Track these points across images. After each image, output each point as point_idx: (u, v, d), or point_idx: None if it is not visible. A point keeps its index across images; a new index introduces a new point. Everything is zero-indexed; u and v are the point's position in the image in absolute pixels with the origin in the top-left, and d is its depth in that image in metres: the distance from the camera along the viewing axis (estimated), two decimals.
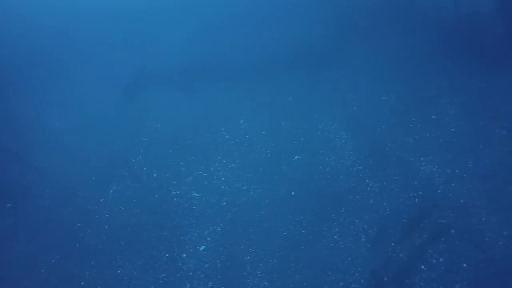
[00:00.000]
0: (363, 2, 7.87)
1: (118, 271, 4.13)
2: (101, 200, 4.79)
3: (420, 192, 4.39)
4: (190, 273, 4.10)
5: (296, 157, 5.31)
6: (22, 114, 6.09)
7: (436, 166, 4.71)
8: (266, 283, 3.89)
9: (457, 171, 4.61)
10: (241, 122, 6.09)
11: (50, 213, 4.86)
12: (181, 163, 5.36)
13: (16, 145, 5.62)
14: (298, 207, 4.59)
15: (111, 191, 5.01)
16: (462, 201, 4.21)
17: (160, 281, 4.06)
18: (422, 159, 4.85)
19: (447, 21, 7.11)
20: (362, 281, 3.77)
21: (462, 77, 6.14)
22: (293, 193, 4.76)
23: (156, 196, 4.91)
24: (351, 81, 6.49)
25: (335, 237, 4.20)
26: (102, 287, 3.99)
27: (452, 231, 3.90)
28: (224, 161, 5.41)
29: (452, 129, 5.32)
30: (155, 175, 5.18)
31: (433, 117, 5.59)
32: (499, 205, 4.16)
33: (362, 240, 4.11)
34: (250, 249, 4.16)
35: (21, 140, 5.66)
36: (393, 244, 3.97)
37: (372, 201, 4.46)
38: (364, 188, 4.63)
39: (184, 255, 4.28)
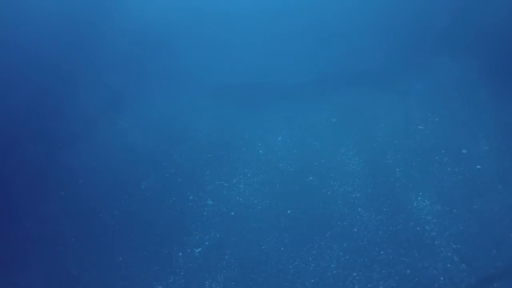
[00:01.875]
0: (422, 26, 7.54)
1: (120, 258, 4.81)
2: (125, 196, 5.57)
3: (399, 227, 4.27)
4: (177, 270, 4.61)
5: (310, 177, 5.47)
6: (96, 114, 7.20)
7: (429, 202, 4.49)
8: None
9: (454, 210, 4.36)
10: (279, 139, 6.37)
11: (87, 199, 5.68)
12: (207, 172, 5.88)
13: (74, 142, 6.70)
14: (288, 225, 4.80)
15: (141, 187, 5.73)
16: (436, 242, 4.00)
17: (152, 273, 4.65)
18: (421, 193, 4.66)
19: (506, 56, 6.48)
20: None
21: (505, 113, 5.62)
22: (289, 211, 4.97)
23: (174, 199, 5.52)
24: (392, 106, 6.34)
25: (310, 258, 4.34)
26: (100, 268, 4.70)
27: (408, 271, 3.77)
28: (248, 174, 5.79)
29: (478, 166, 4.98)
30: (179, 179, 5.79)
31: (464, 151, 5.26)
32: (481, 255, 3.87)
33: (332, 265, 4.19)
34: (224, 256, 4.52)
35: (82, 137, 6.73)
36: (354, 274, 3.98)
37: (355, 230, 4.47)
38: (354, 216, 4.64)
39: (180, 254, 4.81)
